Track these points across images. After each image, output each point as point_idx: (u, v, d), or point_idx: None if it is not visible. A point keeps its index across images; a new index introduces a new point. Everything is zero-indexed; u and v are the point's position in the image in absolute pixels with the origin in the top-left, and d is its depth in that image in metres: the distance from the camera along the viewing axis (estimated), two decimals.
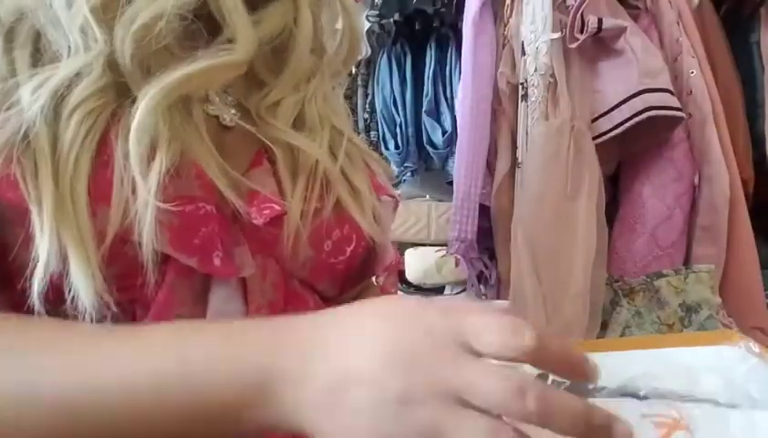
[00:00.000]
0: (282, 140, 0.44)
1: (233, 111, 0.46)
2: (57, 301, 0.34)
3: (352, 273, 0.49)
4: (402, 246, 1.49)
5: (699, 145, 1.01)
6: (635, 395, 0.38)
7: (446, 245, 1.14)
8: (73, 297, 0.33)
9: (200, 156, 0.39)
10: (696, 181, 1.02)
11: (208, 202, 0.38)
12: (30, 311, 0.34)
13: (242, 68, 0.41)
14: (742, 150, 1.05)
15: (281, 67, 0.46)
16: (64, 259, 0.33)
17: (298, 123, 0.48)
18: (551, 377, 0.41)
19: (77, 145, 0.35)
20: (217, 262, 0.38)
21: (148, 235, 0.34)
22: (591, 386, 0.40)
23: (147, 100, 0.36)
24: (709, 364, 0.42)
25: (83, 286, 0.33)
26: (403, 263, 1.48)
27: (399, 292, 0.67)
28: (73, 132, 0.35)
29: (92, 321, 0.33)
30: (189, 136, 0.40)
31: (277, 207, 0.40)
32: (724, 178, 0.98)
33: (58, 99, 0.35)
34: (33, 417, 0.30)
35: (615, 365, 0.46)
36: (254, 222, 0.39)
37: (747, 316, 0.98)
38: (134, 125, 0.36)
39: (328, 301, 0.50)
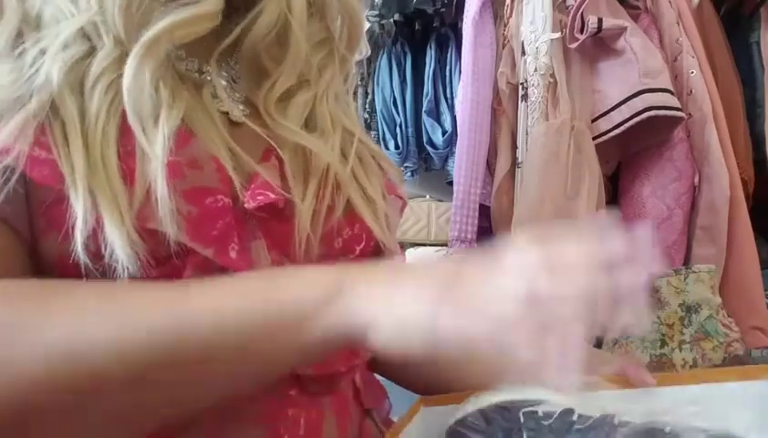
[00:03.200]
0: (292, 141, 0.44)
1: (241, 107, 0.46)
2: (97, 256, 0.34)
3: None
4: (402, 246, 1.49)
5: (699, 145, 1.01)
6: (661, 431, 0.38)
7: (446, 245, 1.14)
8: (111, 252, 0.34)
9: (214, 145, 0.40)
10: (696, 181, 1.02)
11: (226, 195, 0.39)
12: (71, 274, 0.35)
13: (214, 19, 0.42)
14: (742, 150, 1.05)
15: (284, 56, 0.46)
16: (98, 218, 0.34)
17: (310, 124, 0.48)
18: (577, 412, 0.41)
19: (103, 115, 0.36)
20: (233, 255, 0.38)
21: (163, 199, 0.35)
22: (616, 421, 0.40)
23: (131, 58, 0.37)
24: (742, 401, 0.42)
25: (119, 245, 0.34)
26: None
27: None
28: (97, 104, 0.36)
29: (130, 276, 0.34)
30: (206, 129, 0.41)
31: (272, 195, 0.40)
32: (724, 178, 0.98)
33: (81, 73, 0.37)
34: (134, 349, 0.31)
35: (642, 400, 0.46)
36: (246, 206, 0.39)
37: (747, 316, 0.98)
38: (125, 84, 0.37)
39: None
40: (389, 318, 0.31)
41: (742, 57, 1.13)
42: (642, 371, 0.48)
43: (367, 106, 1.41)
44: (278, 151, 0.44)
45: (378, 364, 0.59)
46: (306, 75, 0.48)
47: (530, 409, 0.43)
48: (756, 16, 1.12)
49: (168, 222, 0.35)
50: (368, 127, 1.40)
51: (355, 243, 0.47)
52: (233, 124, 0.44)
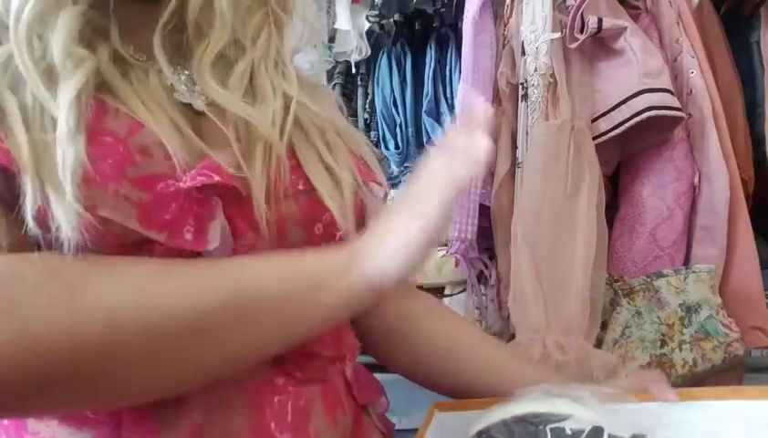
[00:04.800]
0: (232, 113, 0.45)
1: (202, 99, 0.46)
2: (47, 230, 0.36)
3: None
4: None
5: (699, 145, 1.01)
6: None
7: (446, 245, 1.14)
8: (58, 227, 0.36)
9: (163, 132, 0.40)
10: (696, 181, 1.02)
11: (178, 180, 0.39)
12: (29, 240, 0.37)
13: None
14: (742, 150, 1.05)
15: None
16: (47, 198, 0.36)
17: (250, 92, 0.48)
18: (607, 432, 0.41)
19: (38, 106, 0.38)
20: (189, 236, 0.39)
21: (70, 176, 0.36)
22: None
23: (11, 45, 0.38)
24: (765, 421, 0.41)
25: (64, 220, 0.35)
26: None
27: None
28: (31, 98, 0.38)
29: (77, 248, 0.36)
30: (156, 116, 0.41)
31: (216, 177, 0.40)
32: (724, 178, 0.98)
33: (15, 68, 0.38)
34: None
35: (665, 415, 0.45)
36: (181, 185, 0.39)
37: (747, 316, 0.98)
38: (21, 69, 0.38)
39: None
40: (388, 249, 0.39)
41: (742, 57, 1.13)
42: (665, 387, 0.48)
43: (367, 106, 1.41)
44: (227, 132, 0.44)
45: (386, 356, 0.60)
46: (242, 39, 0.48)
47: (557, 425, 0.42)
48: (756, 16, 1.12)
49: (73, 186, 0.36)
50: (368, 127, 1.40)
51: (334, 228, 0.47)
52: (196, 115, 0.45)
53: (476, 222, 1.10)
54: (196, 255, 0.40)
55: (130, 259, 0.38)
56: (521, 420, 0.44)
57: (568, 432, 0.42)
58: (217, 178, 0.40)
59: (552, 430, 0.42)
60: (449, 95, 1.30)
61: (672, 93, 0.96)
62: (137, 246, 0.38)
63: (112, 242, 0.38)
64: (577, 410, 0.43)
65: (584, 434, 0.41)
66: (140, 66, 0.44)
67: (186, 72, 0.47)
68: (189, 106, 0.45)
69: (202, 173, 0.40)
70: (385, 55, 1.37)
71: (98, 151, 0.38)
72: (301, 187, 0.47)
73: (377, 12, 1.31)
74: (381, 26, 1.34)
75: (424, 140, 1.32)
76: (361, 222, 0.50)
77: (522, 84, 1.05)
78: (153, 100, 0.42)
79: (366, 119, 1.41)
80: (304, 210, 0.46)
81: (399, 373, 0.62)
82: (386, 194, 0.56)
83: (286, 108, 0.48)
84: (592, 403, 0.44)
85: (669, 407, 0.46)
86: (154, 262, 0.38)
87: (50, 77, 0.38)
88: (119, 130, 0.39)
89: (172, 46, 0.45)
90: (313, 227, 0.47)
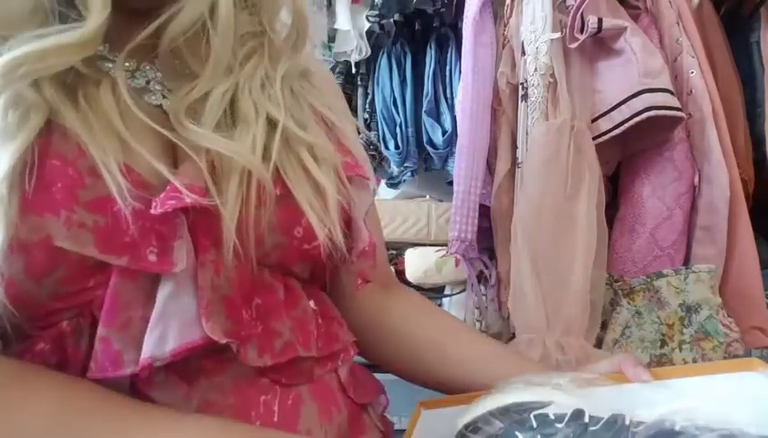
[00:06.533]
0: (202, 145, 0.42)
1: (161, 82, 0.44)
2: None
3: (330, 256, 0.48)
4: (402, 246, 1.49)
5: (699, 145, 1.01)
6: (671, 430, 0.39)
7: (446, 245, 1.14)
8: None
9: (105, 155, 0.38)
10: (696, 181, 1.02)
11: (136, 199, 0.37)
12: None
13: (90, 46, 0.39)
14: (742, 150, 1.05)
15: (208, 53, 0.43)
16: None
17: (232, 115, 0.45)
18: (587, 413, 0.42)
19: None
20: (152, 258, 0.37)
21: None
22: (628, 422, 0.41)
23: None
24: (736, 394, 0.42)
25: None
26: (403, 263, 1.49)
27: None
28: None
29: None
30: (101, 134, 0.39)
31: (186, 200, 0.38)
32: (724, 178, 0.98)
33: None
34: None
35: (642, 395, 0.46)
36: (152, 212, 0.37)
37: (747, 316, 0.98)
38: None
39: (307, 283, 0.50)
40: None
41: (742, 57, 1.13)
42: (639, 368, 0.49)
43: (367, 106, 1.41)
44: (194, 153, 0.41)
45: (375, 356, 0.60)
46: (229, 66, 0.45)
47: (540, 411, 0.43)
48: (756, 16, 1.12)
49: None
50: (368, 127, 1.40)
51: (314, 231, 0.45)
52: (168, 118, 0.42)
53: (476, 222, 1.10)
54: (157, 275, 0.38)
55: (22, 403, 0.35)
56: (505, 410, 0.45)
57: (551, 416, 0.42)
58: (188, 199, 0.38)
59: (536, 416, 0.43)
60: (449, 95, 1.30)
61: (672, 93, 0.96)
62: (95, 270, 0.37)
63: (67, 269, 0.36)
64: (558, 396, 0.44)
65: (566, 418, 0.42)
66: (94, 77, 0.41)
67: (160, 73, 0.45)
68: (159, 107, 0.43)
69: (172, 197, 0.38)
70: (385, 55, 1.37)
71: (47, 175, 0.36)
72: (278, 192, 0.44)
73: (377, 12, 1.31)
74: (381, 26, 1.34)
75: (424, 140, 1.32)
76: (346, 224, 0.49)
77: (522, 84, 1.05)
78: (101, 120, 0.39)
79: (366, 120, 1.41)
80: (280, 217, 0.44)
81: (382, 366, 0.62)
82: (373, 190, 0.54)
83: (271, 130, 0.46)
84: (571, 389, 0.45)
85: (645, 387, 0.47)
86: (57, 406, 0.35)
87: None
88: (68, 152, 0.37)
89: (147, 46, 0.43)
90: (292, 231, 0.45)
